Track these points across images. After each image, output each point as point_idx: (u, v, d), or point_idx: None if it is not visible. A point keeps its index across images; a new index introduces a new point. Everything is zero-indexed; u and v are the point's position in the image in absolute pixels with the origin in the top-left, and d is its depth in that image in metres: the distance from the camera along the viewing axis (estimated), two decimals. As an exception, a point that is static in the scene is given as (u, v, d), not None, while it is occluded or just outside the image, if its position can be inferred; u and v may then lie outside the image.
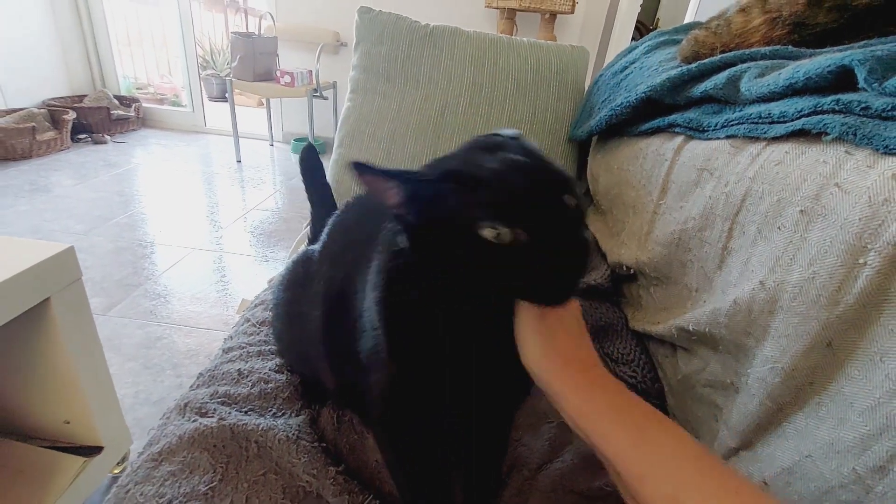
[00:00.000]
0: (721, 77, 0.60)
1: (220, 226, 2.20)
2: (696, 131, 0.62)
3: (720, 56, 0.63)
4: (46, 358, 0.81)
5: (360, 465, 0.53)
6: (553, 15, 2.57)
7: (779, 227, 0.47)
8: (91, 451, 0.89)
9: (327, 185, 0.76)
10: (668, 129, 0.68)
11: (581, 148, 1.08)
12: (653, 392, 0.69)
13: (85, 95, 3.18)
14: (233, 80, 2.77)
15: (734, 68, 0.60)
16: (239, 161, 3.00)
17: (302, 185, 0.75)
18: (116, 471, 0.98)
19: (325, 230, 0.58)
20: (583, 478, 0.57)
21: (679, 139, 0.66)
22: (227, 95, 2.90)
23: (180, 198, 2.48)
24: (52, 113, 2.81)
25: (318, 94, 2.88)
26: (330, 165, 1.04)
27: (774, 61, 0.59)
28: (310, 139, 2.92)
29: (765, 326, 0.47)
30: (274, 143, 3.46)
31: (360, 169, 0.34)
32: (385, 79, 1.02)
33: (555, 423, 0.62)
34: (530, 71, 1.01)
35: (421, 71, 1.01)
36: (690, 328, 0.58)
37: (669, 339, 0.65)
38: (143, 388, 1.24)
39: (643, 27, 3.67)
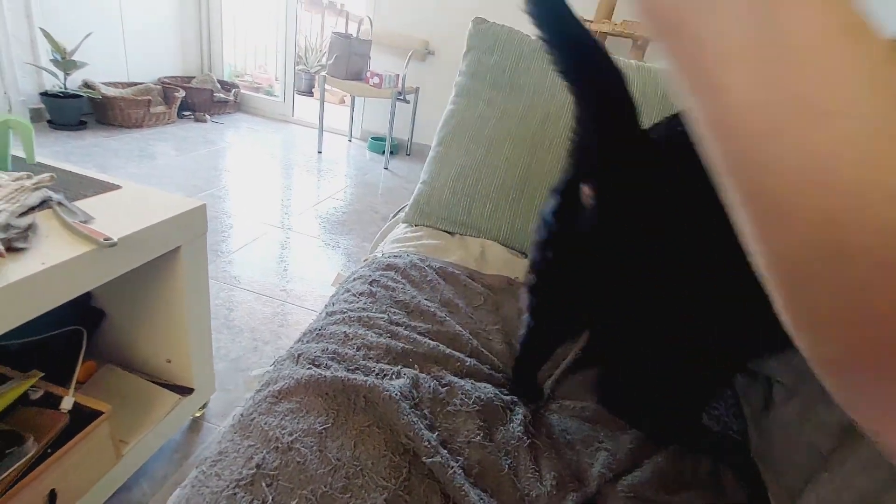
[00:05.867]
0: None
1: (297, 209, 2.34)
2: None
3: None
4: (165, 301, 0.91)
5: (450, 436, 0.56)
6: (646, 42, 2.55)
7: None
8: (184, 390, 0.98)
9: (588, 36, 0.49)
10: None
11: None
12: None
13: (193, 77, 3.50)
14: (327, 76, 2.95)
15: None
16: (320, 152, 3.18)
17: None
18: (198, 414, 1.07)
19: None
20: (660, 493, 0.57)
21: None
22: (312, 90, 3.09)
23: (265, 179, 2.66)
24: (165, 90, 3.11)
25: (401, 97, 3.01)
26: (428, 162, 1.10)
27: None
28: (388, 139, 3.05)
29: None
30: (352, 139, 3.63)
31: None
32: (491, 86, 1.07)
33: (637, 433, 0.63)
34: (636, 93, 1.02)
35: (527, 81, 1.05)
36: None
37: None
38: (223, 346, 1.34)
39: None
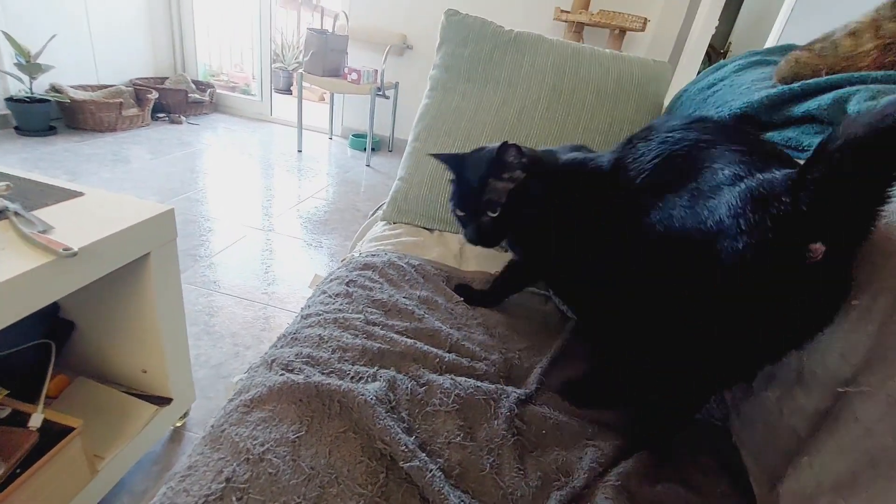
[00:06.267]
0: (826, 98, 0.59)
1: (278, 210, 2.30)
2: (794, 150, 0.61)
3: (826, 77, 0.62)
4: (137, 309, 0.88)
5: (429, 438, 0.55)
6: (623, 31, 2.55)
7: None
8: (162, 401, 0.95)
9: None
10: (761, 147, 0.68)
11: (653, 162, 1.07)
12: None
13: (167, 78, 3.41)
14: (303, 73, 2.90)
15: (841, 90, 0.59)
16: (300, 151, 3.13)
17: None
18: (179, 424, 1.04)
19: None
20: (644, 484, 0.57)
21: (772, 157, 0.65)
22: (291, 88, 3.03)
23: (245, 180, 2.61)
24: (138, 91, 3.03)
25: (381, 93, 2.97)
26: (405, 158, 1.08)
27: (886, 86, 0.58)
28: (369, 135, 3.01)
29: None
30: (333, 137, 3.59)
31: None
32: (466, 79, 1.06)
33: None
34: (611, 81, 1.02)
35: (502, 74, 1.04)
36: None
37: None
38: (203, 352, 1.31)
39: (713, 51, 3.58)
